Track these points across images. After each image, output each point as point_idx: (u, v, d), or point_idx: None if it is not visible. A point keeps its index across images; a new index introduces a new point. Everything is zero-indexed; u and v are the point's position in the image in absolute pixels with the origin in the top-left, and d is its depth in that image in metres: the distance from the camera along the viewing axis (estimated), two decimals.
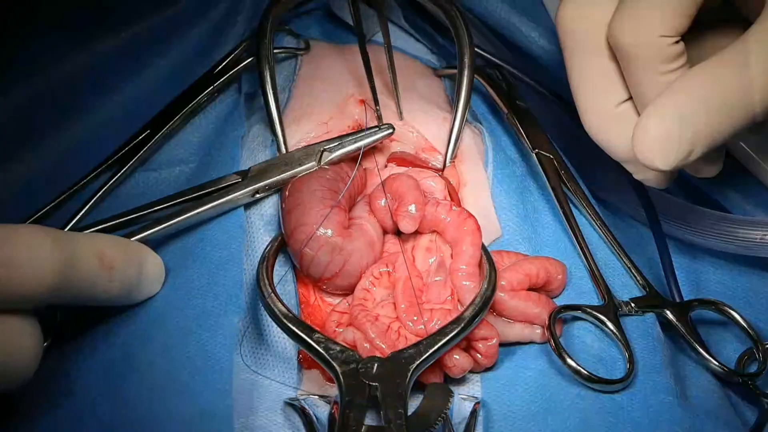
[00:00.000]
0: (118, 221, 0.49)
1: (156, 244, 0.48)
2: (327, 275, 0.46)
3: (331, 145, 0.50)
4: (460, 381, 0.45)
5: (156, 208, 0.49)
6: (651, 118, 0.42)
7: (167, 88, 0.61)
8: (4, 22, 0.58)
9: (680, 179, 0.57)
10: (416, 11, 0.63)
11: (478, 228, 0.47)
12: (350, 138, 0.51)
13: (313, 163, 0.50)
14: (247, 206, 0.50)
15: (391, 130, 0.51)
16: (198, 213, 0.48)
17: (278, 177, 0.50)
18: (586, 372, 0.44)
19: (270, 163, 0.51)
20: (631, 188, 0.54)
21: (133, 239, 0.47)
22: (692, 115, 0.41)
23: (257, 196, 0.50)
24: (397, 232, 0.49)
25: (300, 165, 0.50)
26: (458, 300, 0.46)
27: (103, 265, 0.41)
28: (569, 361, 0.44)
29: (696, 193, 0.58)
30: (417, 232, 0.49)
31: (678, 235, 0.54)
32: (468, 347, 0.45)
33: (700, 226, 0.53)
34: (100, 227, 0.48)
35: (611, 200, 0.58)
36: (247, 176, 0.50)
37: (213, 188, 0.49)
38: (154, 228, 0.48)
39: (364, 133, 0.51)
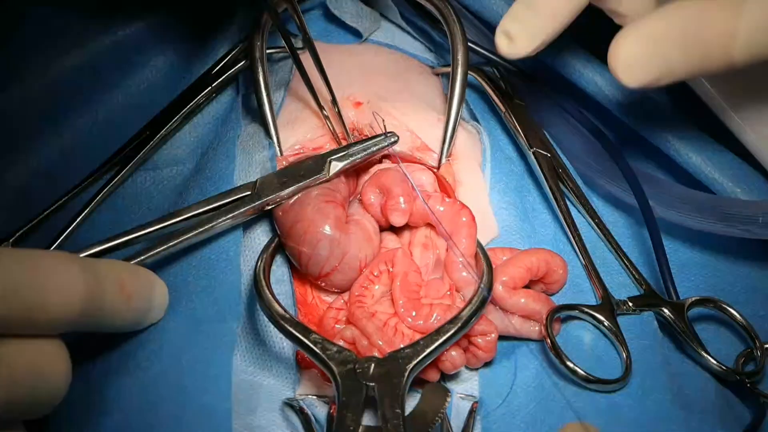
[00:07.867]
0: (123, 239, 0.46)
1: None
2: (326, 270, 0.46)
3: (338, 155, 0.49)
4: (458, 380, 0.45)
5: (165, 224, 0.47)
6: (626, 37, 0.42)
7: (166, 87, 0.61)
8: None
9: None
10: (414, 9, 0.63)
11: (473, 218, 0.47)
12: (356, 147, 0.49)
13: (324, 173, 0.48)
14: None
15: (395, 139, 0.49)
16: (208, 228, 0.47)
17: (289, 190, 0.47)
18: (583, 372, 0.44)
19: (278, 176, 0.48)
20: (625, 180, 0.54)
21: (143, 258, 0.45)
22: (666, 43, 0.41)
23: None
24: (391, 228, 0.49)
25: (308, 177, 0.48)
26: (456, 291, 0.46)
27: (123, 293, 0.40)
28: (566, 361, 0.44)
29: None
30: (412, 228, 0.49)
31: (673, 219, 0.53)
32: (467, 343, 0.45)
33: (693, 208, 0.52)
34: (103, 246, 0.46)
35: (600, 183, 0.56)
36: (255, 189, 0.48)
37: (224, 201, 0.47)
38: (164, 246, 0.46)
39: (370, 143, 0.49)
